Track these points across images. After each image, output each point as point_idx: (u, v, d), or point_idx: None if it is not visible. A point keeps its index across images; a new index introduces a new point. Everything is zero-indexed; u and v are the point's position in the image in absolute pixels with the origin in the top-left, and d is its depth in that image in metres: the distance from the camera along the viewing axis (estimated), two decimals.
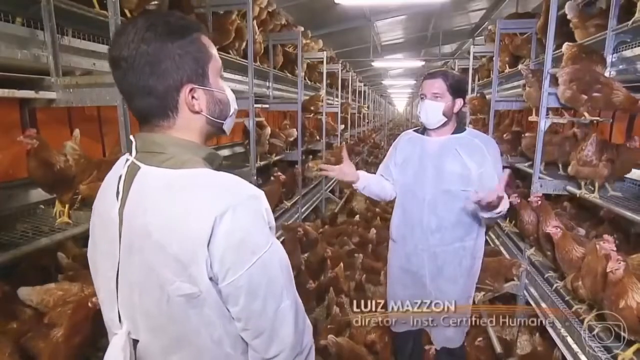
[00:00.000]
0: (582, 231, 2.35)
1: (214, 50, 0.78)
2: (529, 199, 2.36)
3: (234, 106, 0.84)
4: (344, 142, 7.25)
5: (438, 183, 1.71)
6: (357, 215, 4.91)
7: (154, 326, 0.76)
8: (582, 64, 2.22)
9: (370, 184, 1.84)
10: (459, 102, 1.72)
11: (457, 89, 1.71)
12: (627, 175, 2.35)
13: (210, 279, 0.70)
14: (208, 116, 0.78)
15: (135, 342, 0.78)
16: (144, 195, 0.72)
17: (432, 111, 1.70)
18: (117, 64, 0.71)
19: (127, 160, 0.77)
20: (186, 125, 0.76)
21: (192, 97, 0.75)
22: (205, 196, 0.69)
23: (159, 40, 0.70)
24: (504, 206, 1.60)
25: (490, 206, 1.54)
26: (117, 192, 0.75)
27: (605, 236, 1.52)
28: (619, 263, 1.44)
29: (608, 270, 1.46)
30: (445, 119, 1.71)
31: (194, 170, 0.73)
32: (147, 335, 0.77)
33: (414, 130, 1.90)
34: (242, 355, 0.79)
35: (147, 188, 0.73)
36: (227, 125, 0.84)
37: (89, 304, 1.30)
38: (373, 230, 3.92)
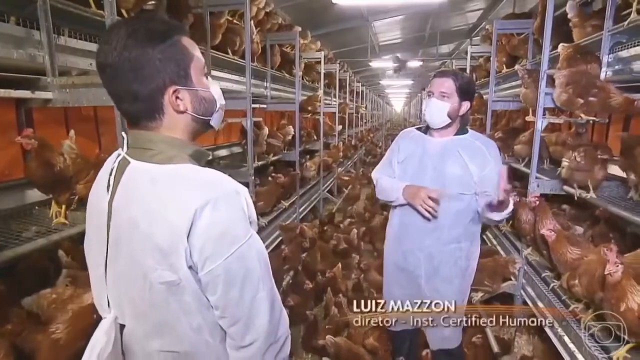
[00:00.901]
0: (579, 229, 2.36)
1: (196, 51, 0.81)
2: (527, 200, 2.36)
3: (220, 102, 0.87)
4: (342, 142, 7.26)
5: (437, 184, 1.70)
6: (348, 220, 4.87)
7: (137, 312, 0.81)
8: (578, 67, 2.23)
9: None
10: (466, 104, 1.70)
11: (466, 92, 1.69)
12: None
13: (190, 267, 0.74)
14: (193, 114, 0.82)
15: (122, 326, 0.83)
16: (131, 189, 0.77)
17: (438, 110, 1.68)
18: (103, 70, 0.75)
19: (119, 155, 0.82)
20: (173, 124, 0.80)
21: (177, 98, 0.78)
22: (187, 190, 0.74)
23: (140, 47, 0.73)
24: (510, 205, 1.61)
25: (501, 205, 1.56)
26: (108, 185, 0.80)
27: (611, 246, 1.52)
28: (617, 266, 1.44)
29: (606, 272, 1.46)
30: (450, 120, 1.70)
31: (179, 166, 0.77)
32: (132, 320, 0.82)
33: (417, 129, 1.88)
34: (221, 344, 0.83)
35: (135, 182, 0.77)
36: (215, 121, 0.87)
37: (95, 316, 1.31)
38: (354, 231, 3.91)
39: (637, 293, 1.42)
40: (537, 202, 2.24)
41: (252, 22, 3.55)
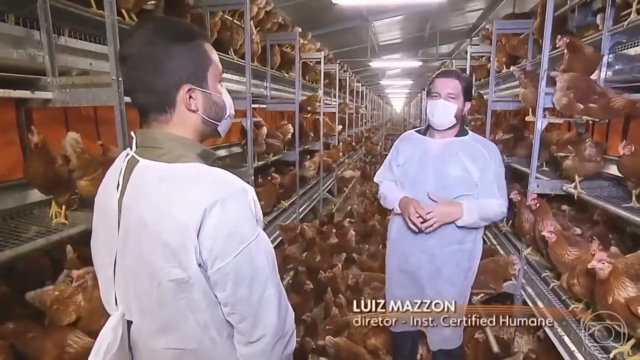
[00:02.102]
0: (578, 230, 2.36)
1: (215, 57, 0.84)
2: (527, 202, 2.35)
3: (230, 111, 0.89)
4: (341, 143, 7.25)
5: (439, 185, 1.70)
6: (347, 220, 4.84)
7: (144, 310, 0.82)
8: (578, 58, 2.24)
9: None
10: (468, 105, 1.72)
11: (469, 92, 1.70)
12: None
13: (200, 265, 0.75)
14: (204, 116, 0.83)
15: (129, 323, 0.84)
16: (140, 188, 0.78)
17: (445, 112, 1.67)
18: (124, 60, 0.78)
19: (128, 154, 0.83)
20: (182, 122, 0.82)
21: (190, 97, 0.80)
22: (195, 189, 0.75)
23: (163, 43, 0.76)
24: (470, 218, 1.66)
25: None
26: (118, 185, 0.81)
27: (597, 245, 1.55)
28: (603, 264, 1.46)
29: (589, 266, 1.50)
30: (455, 121, 1.70)
31: (187, 165, 0.78)
32: (139, 317, 0.83)
33: (416, 131, 1.89)
34: (227, 340, 0.84)
35: (144, 181, 0.78)
36: (222, 128, 0.89)
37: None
38: (352, 232, 3.90)
39: (623, 288, 1.45)
40: (538, 205, 2.24)
41: (252, 22, 3.55)
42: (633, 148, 1.83)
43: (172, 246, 0.73)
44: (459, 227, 1.72)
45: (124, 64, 0.78)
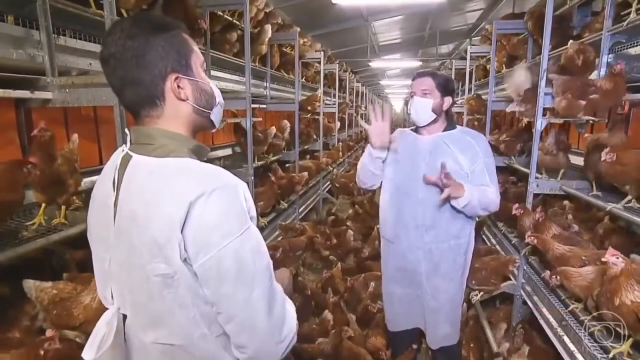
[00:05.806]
0: (575, 227, 2.36)
1: (195, 46, 0.83)
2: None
3: (219, 99, 0.88)
4: (341, 143, 7.25)
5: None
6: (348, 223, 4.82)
7: (135, 303, 0.82)
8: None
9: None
10: (448, 100, 1.75)
11: (446, 88, 1.75)
12: None
13: (185, 260, 0.73)
14: (194, 105, 0.82)
15: (125, 316, 0.84)
16: (132, 182, 0.78)
17: (422, 107, 1.73)
18: (107, 61, 0.77)
19: (123, 150, 0.83)
20: (174, 114, 0.81)
21: (178, 86, 0.79)
22: (183, 182, 0.74)
23: (143, 35, 0.76)
24: (468, 198, 1.63)
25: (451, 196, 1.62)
26: (114, 181, 0.81)
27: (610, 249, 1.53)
28: (617, 258, 1.46)
29: (603, 259, 1.50)
30: (435, 116, 1.74)
31: (177, 159, 0.78)
32: (131, 311, 0.83)
33: (411, 129, 1.91)
34: (221, 337, 0.81)
35: (135, 176, 0.78)
36: (215, 116, 0.88)
37: None
38: (350, 232, 3.89)
39: (631, 290, 1.43)
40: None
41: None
42: (615, 156, 1.82)
43: (159, 240, 0.72)
44: (455, 219, 1.74)
45: (107, 64, 0.77)
